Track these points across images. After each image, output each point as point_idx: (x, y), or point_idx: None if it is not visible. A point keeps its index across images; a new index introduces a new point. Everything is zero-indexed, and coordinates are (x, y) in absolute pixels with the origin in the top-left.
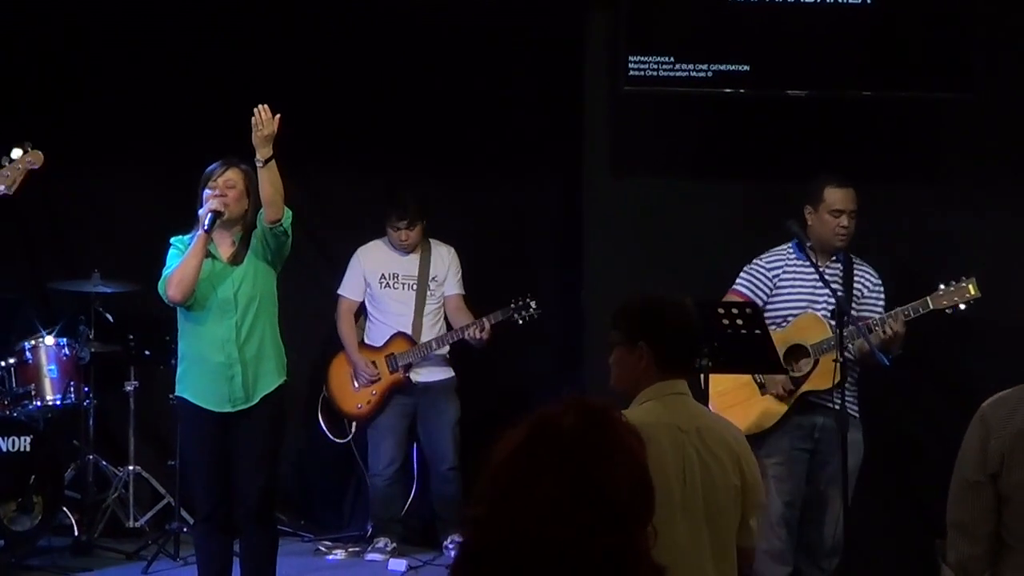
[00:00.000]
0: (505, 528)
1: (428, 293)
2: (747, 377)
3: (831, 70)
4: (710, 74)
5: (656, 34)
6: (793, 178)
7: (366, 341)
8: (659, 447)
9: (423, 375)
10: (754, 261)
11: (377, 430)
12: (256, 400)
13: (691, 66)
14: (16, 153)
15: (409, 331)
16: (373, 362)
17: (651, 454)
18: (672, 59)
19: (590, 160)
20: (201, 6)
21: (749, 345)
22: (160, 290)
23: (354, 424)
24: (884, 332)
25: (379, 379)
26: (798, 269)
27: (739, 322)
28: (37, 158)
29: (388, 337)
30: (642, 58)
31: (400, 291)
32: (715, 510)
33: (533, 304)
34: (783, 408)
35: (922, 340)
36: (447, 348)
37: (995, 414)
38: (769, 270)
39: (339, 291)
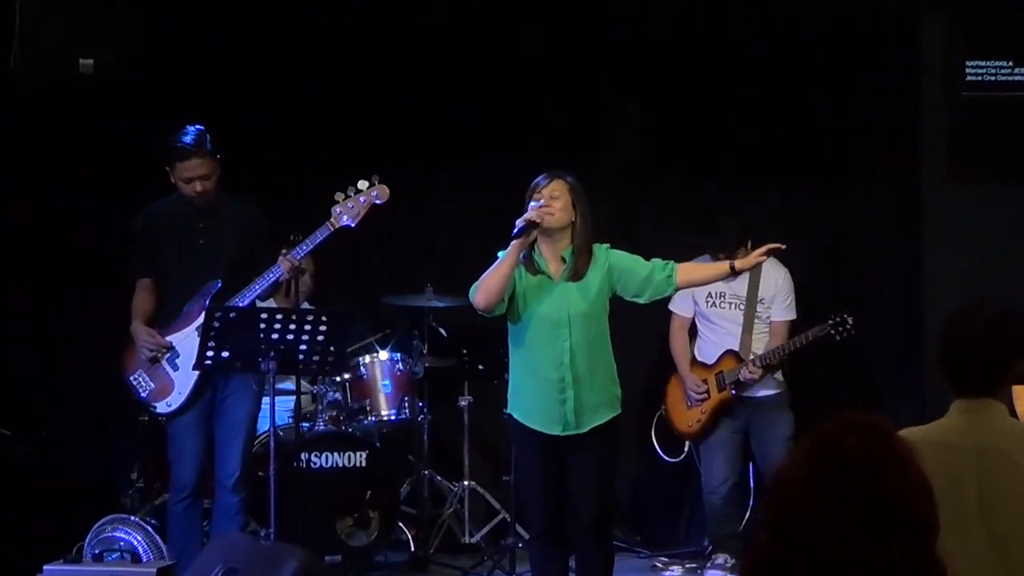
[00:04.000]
0: (801, 556)
1: (756, 314)
2: None
3: None
4: None
5: (994, 38)
6: None
7: (698, 358)
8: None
9: (755, 390)
10: None
11: (709, 448)
12: (586, 429)
13: None
14: (362, 184)
15: (738, 349)
16: (704, 380)
17: None
18: (1011, 63)
19: (927, 166)
20: (526, 20)
21: None
22: (470, 295)
23: (687, 443)
24: None
25: (708, 397)
26: None
27: None
28: (383, 193)
29: (719, 355)
30: (979, 63)
31: (728, 310)
32: (1002, 535)
33: (850, 321)
34: None
35: None
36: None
37: None
38: None
39: (669, 306)
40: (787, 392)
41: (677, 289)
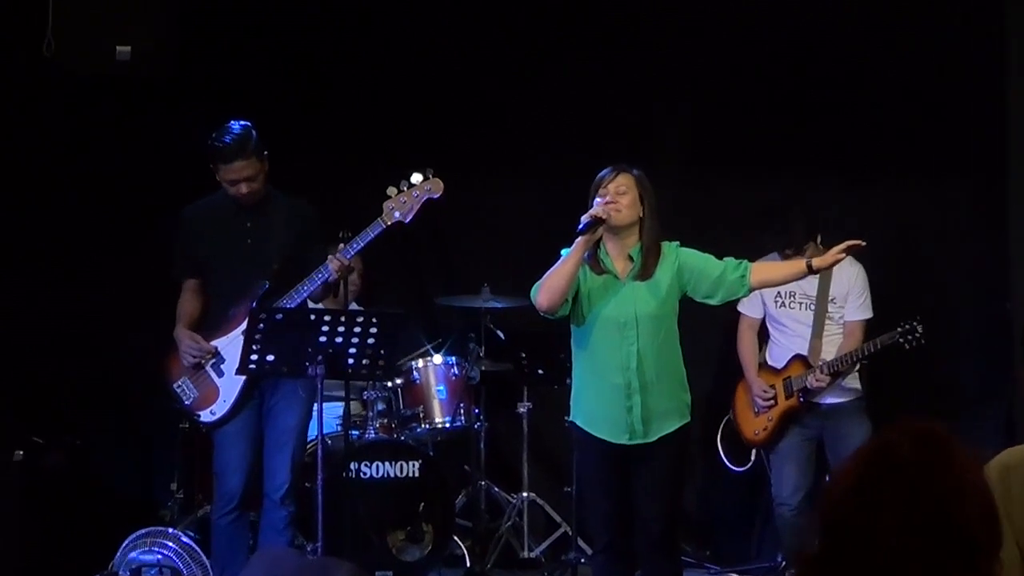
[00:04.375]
0: (845, 566)
1: (827, 315)
2: None
3: None
4: None
5: None
6: None
7: (768, 362)
8: None
9: (827, 396)
10: None
11: (779, 456)
12: (654, 439)
13: None
14: (416, 178)
15: (807, 353)
16: (772, 386)
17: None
18: None
19: (1014, 158)
20: (583, 12)
21: None
22: (532, 295)
23: (754, 452)
24: None
25: (775, 404)
26: None
27: None
28: (437, 187)
29: (787, 359)
30: None
31: (797, 310)
32: None
33: (920, 328)
34: None
35: None
36: (855, 366)
37: None
38: None
39: (738, 307)
40: (863, 399)
41: (751, 290)
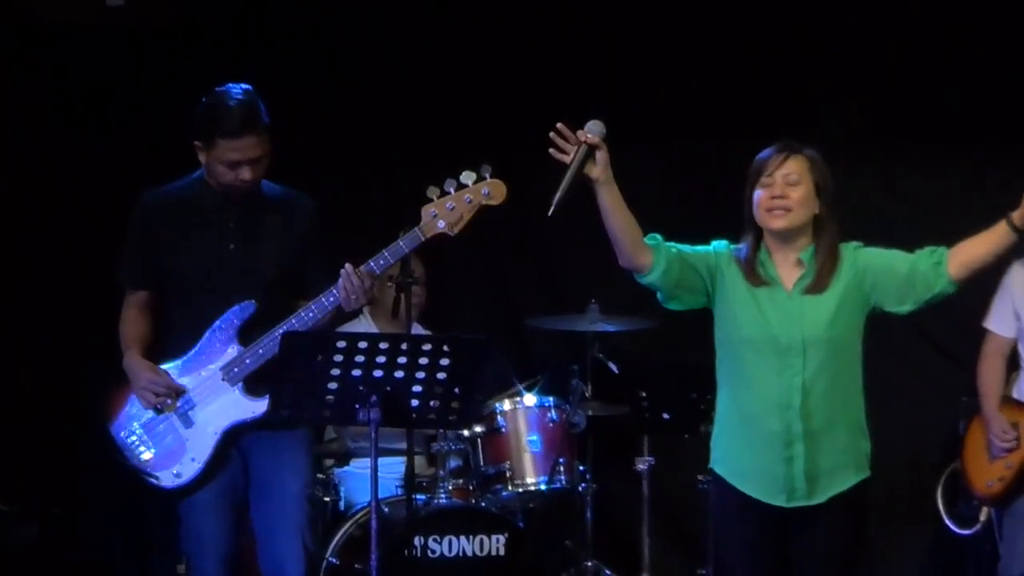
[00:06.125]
0: None
1: None
2: None
3: None
4: None
5: None
6: None
7: (1014, 395)
8: None
9: None
10: None
11: (1014, 516)
12: (822, 500)
13: None
14: (467, 177)
15: None
16: (1015, 424)
17: None
18: None
19: None
20: None
21: None
22: None
23: (984, 510)
24: None
25: (1017, 447)
26: None
27: None
28: (498, 191)
29: None
30: None
31: None
32: None
33: None
34: None
35: None
36: None
37: None
38: None
39: (985, 322)
40: None
41: (956, 283)
